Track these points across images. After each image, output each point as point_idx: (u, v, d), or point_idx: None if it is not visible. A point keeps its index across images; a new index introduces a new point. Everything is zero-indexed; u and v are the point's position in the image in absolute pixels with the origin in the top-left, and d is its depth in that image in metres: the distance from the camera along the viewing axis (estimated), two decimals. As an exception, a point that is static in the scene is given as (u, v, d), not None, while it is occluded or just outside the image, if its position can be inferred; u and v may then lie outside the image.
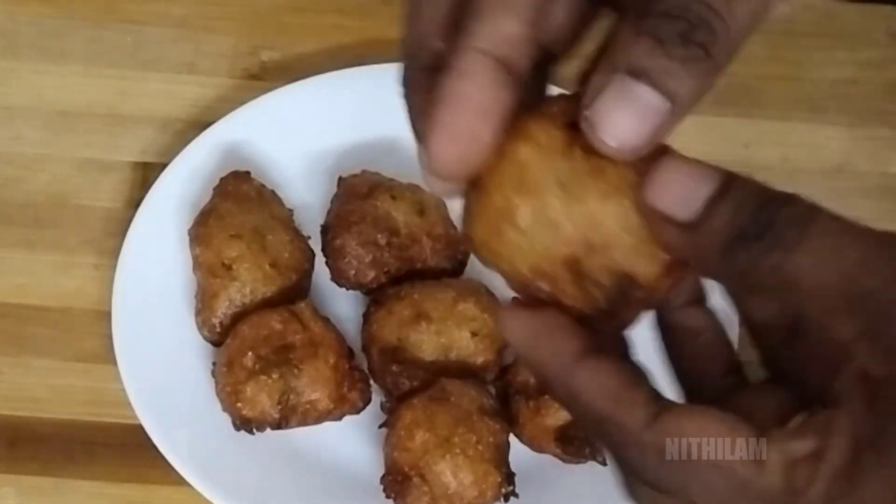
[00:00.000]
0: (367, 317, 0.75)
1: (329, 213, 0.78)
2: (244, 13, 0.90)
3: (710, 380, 0.41)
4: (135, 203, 0.80)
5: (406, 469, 0.68)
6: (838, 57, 0.92)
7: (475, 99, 0.36)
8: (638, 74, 0.34)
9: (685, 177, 0.35)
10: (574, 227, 0.36)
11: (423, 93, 0.38)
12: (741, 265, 0.34)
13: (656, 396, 0.37)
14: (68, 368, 0.76)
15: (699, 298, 0.42)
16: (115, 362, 0.73)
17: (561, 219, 0.36)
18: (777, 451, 0.34)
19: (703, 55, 0.34)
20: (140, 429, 0.71)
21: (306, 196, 0.81)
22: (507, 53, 0.36)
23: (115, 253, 0.77)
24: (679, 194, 0.35)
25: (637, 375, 0.38)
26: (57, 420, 0.75)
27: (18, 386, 0.76)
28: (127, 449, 0.73)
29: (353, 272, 0.76)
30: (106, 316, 0.75)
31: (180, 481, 0.70)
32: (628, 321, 0.39)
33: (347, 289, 0.77)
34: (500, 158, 0.37)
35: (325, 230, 0.77)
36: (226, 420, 0.71)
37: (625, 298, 0.37)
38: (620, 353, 0.40)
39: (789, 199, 0.34)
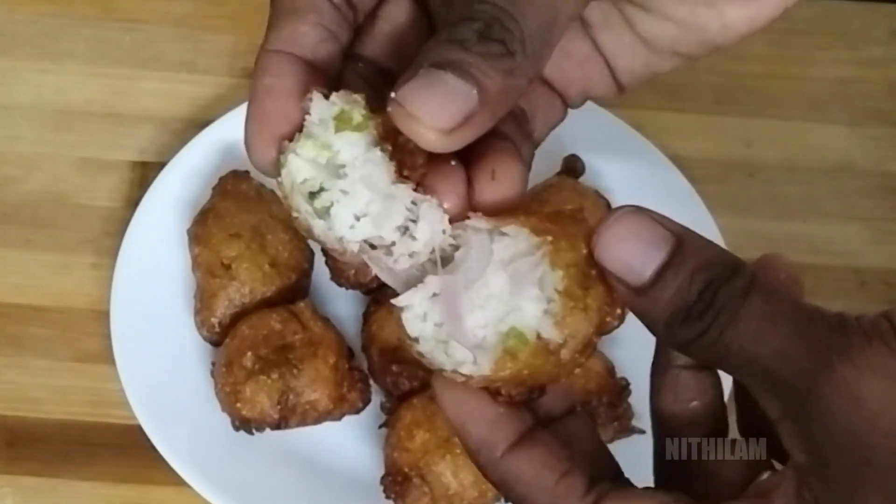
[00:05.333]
0: (366, 317, 0.75)
1: (328, 212, 0.77)
2: (243, 11, 0.90)
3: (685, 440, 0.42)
4: (133, 202, 0.79)
5: (406, 469, 0.67)
6: (840, 56, 0.92)
7: (277, 86, 0.38)
8: (443, 65, 0.35)
9: (637, 240, 0.35)
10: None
11: None
12: (682, 339, 0.35)
13: (593, 480, 0.37)
14: (67, 368, 0.76)
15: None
16: (113, 362, 0.73)
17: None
18: None
19: (504, 51, 0.35)
20: (139, 429, 0.71)
21: (306, 195, 0.81)
22: (301, 50, 0.38)
23: (114, 252, 0.77)
24: (629, 260, 0.35)
25: (572, 459, 0.38)
26: (55, 420, 0.74)
27: (16, 386, 0.76)
28: (125, 449, 0.73)
29: (352, 272, 0.75)
30: (104, 316, 0.75)
31: (179, 482, 0.69)
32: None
33: (347, 288, 0.76)
34: None
35: (325, 229, 0.77)
36: (225, 420, 0.71)
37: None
38: (556, 424, 0.40)
39: (734, 273, 0.35)
